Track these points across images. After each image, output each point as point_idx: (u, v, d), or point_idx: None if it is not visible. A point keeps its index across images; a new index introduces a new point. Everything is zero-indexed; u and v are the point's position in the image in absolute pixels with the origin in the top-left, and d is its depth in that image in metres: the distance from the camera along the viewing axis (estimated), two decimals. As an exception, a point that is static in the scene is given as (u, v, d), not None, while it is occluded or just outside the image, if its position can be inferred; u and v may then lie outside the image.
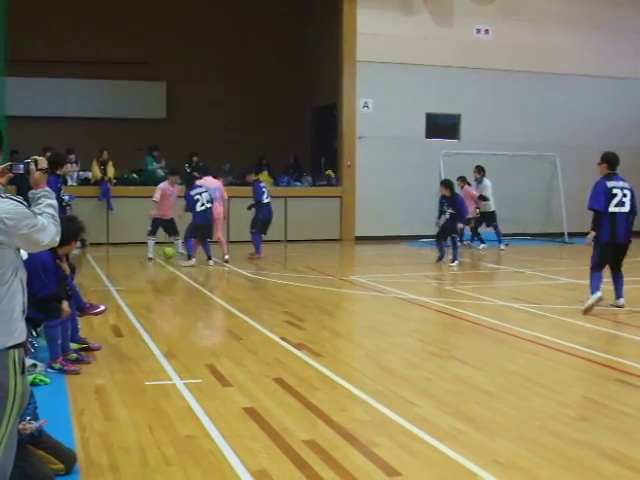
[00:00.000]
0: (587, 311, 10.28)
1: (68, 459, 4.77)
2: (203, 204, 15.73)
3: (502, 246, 18.88)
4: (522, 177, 22.37)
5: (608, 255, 10.55)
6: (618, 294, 10.79)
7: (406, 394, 6.46)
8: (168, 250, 16.64)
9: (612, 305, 10.63)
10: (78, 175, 20.76)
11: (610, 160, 10.80)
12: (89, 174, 20.61)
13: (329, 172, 22.82)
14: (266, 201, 17.06)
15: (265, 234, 17.31)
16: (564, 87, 23.91)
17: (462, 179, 19.46)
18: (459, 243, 16.96)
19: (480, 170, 19.61)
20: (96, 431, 5.51)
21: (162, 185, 16.79)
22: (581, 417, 5.88)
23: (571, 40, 23.81)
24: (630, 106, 24.70)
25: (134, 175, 21.32)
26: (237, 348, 8.31)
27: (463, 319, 10.02)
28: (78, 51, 23.95)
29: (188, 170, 21.24)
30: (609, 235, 10.43)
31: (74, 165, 20.51)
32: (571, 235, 22.00)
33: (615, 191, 10.50)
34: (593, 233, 10.48)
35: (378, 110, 22.27)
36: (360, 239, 21.86)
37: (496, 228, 19.35)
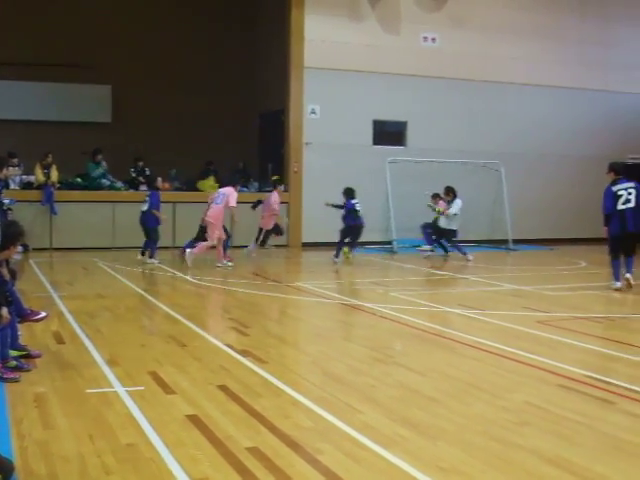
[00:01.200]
0: (617, 290, 13.34)
1: (6, 469, 4.67)
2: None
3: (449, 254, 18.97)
4: (468, 184, 22.48)
5: (619, 245, 13.33)
6: (627, 270, 13.47)
7: (350, 400, 6.46)
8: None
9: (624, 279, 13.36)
10: (21, 179, 20.46)
11: (616, 169, 13.53)
12: (32, 178, 20.34)
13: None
14: None
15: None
16: (510, 96, 24.26)
17: (436, 196, 19.54)
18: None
19: (449, 192, 19.20)
20: (35, 440, 5.41)
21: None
22: (523, 422, 5.93)
23: (517, 49, 24.17)
24: (574, 115, 25.13)
25: (78, 179, 21.09)
26: (181, 355, 8.24)
27: (408, 325, 10.06)
28: (23, 53, 23.63)
29: (133, 174, 21.08)
30: (619, 229, 13.17)
31: (17, 169, 20.19)
32: (515, 242, 22.26)
33: (620, 192, 13.21)
34: (605, 228, 13.38)
35: (325, 116, 22.33)
36: (307, 245, 21.88)
37: (455, 245, 19.19)
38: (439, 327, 9.89)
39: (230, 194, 16.47)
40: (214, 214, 16.39)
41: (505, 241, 22.56)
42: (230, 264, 16.37)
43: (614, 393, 6.79)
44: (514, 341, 8.99)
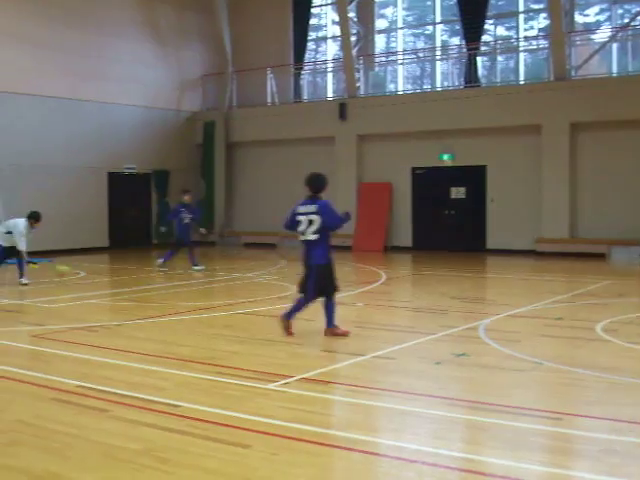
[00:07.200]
0: None
1: None
2: None
3: None
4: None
5: None
6: None
7: None
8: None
9: None
10: None
11: None
12: None
13: None
14: None
15: None
16: (3, 105, 23.50)
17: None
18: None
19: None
20: None
21: None
22: (13, 442, 5.73)
23: (8, 57, 23.44)
24: (69, 125, 25.18)
25: None
26: None
27: None
28: None
29: None
30: None
31: None
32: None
33: None
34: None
35: None
36: None
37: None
38: None
39: None
40: None
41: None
42: None
43: (108, 401, 6.86)
44: (6, 358, 8.72)
